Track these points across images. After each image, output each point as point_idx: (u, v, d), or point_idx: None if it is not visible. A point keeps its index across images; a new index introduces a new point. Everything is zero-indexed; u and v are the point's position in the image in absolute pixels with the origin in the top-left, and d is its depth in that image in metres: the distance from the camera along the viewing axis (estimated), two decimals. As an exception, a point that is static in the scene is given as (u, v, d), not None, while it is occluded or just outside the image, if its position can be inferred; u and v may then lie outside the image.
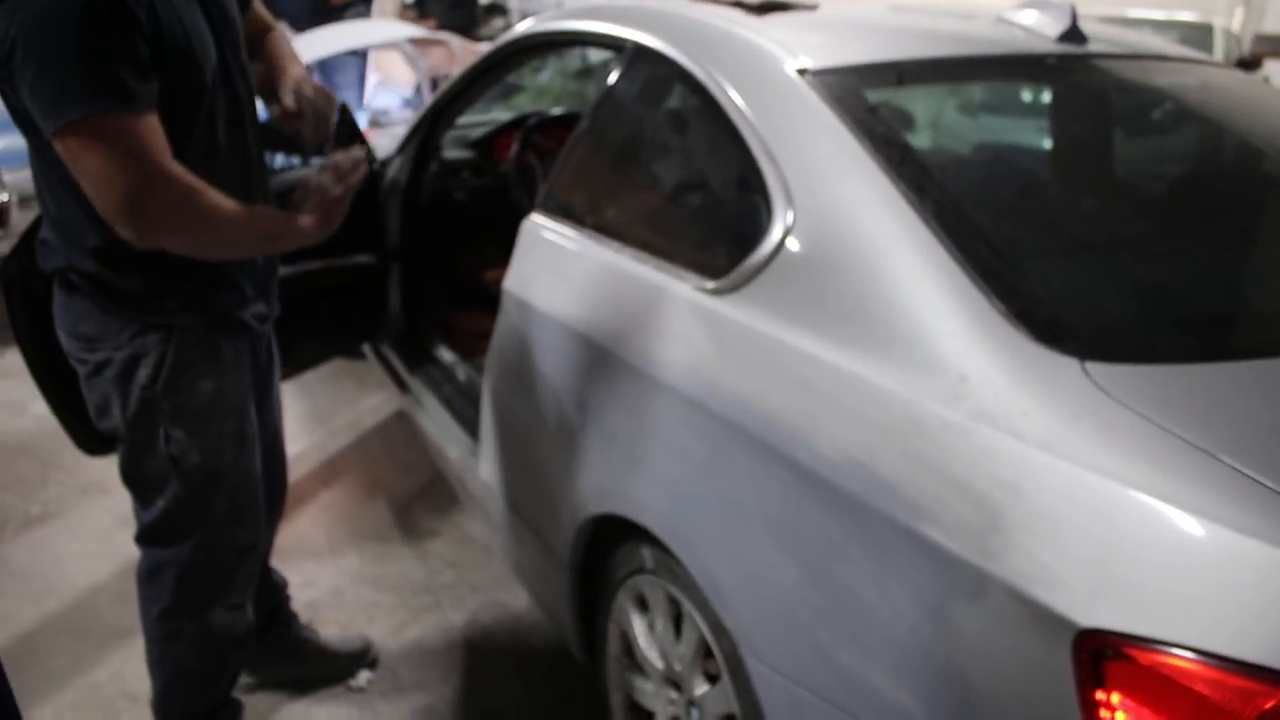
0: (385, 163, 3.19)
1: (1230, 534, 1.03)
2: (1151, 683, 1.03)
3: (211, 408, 1.82)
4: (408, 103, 6.75)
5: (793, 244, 1.53)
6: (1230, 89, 2.17)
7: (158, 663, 2.02)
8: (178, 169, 1.58)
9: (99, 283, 1.71)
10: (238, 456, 1.89)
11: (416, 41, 6.69)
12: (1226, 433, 1.15)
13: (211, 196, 1.63)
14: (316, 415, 3.88)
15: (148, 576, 1.95)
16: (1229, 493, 1.07)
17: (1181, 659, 1.01)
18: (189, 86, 1.65)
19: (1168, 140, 2.23)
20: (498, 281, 2.21)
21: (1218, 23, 8.28)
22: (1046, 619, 1.08)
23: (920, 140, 1.84)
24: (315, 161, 3.09)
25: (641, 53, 2.05)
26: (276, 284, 1.98)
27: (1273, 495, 1.06)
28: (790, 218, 1.55)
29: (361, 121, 5.91)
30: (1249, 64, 7.82)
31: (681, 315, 1.68)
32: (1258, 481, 1.07)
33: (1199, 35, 7.79)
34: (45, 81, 1.49)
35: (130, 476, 1.87)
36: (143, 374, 1.75)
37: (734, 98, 1.74)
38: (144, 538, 1.92)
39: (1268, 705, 0.97)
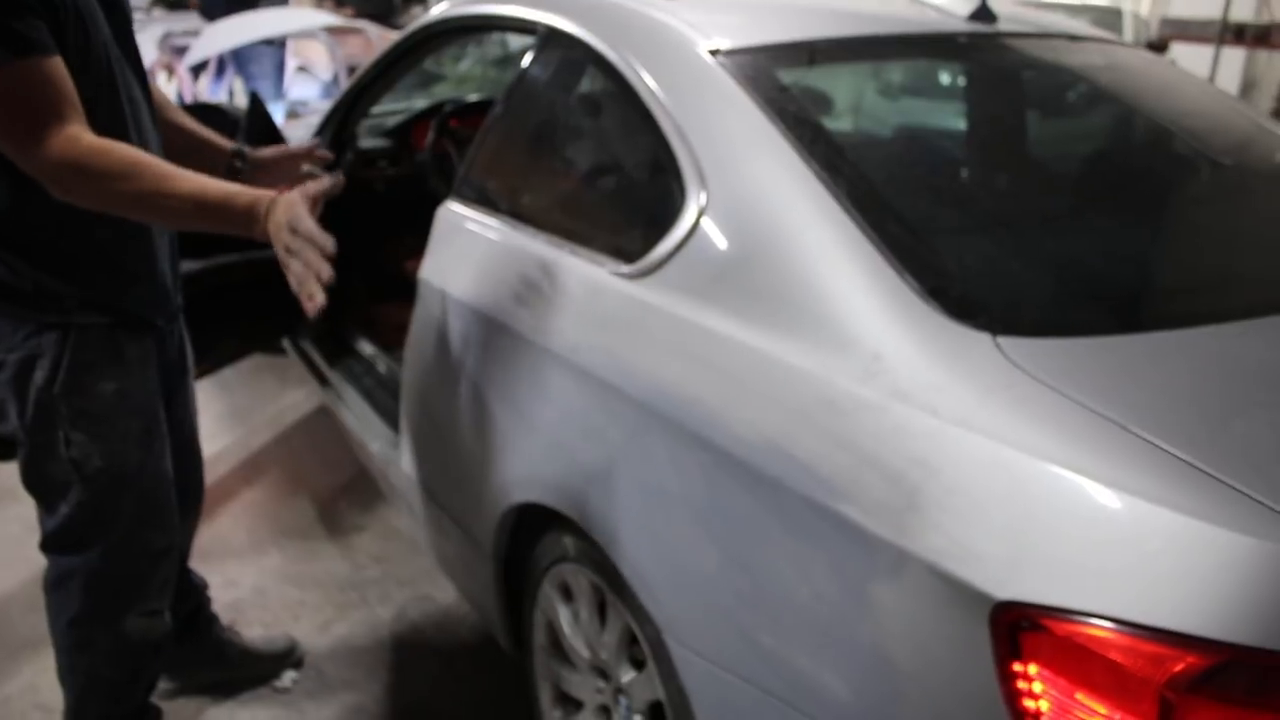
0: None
1: (1140, 503, 1.04)
2: (1067, 652, 1.04)
3: (114, 409, 1.76)
4: (327, 92, 6.63)
5: (706, 226, 1.52)
6: (1138, 68, 2.20)
7: (68, 672, 1.95)
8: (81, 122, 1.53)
9: None
10: (145, 458, 1.83)
11: (333, 30, 6.58)
12: (1136, 403, 1.17)
13: (128, 148, 1.56)
14: (237, 412, 3.80)
15: (55, 584, 1.88)
16: (1138, 463, 1.08)
17: (1095, 628, 1.02)
18: (79, 59, 1.58)
19: (1078, 118, 2.25)
20: (417, 272, 2.17)
21: (1127, 7, 8.50)
22: (964, 594, 1.09)
23: (835, 119, 1.84)
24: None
25: (554, 36, 2.02)
26: (179, 278, 1.92)
27: (1180, 464, 1.07)
28: (704, 199, 1.54)
29: (279, 112, 5.80)
30: (1156, 47, 8.03)
31: (597, 299, 1.66)
32: (1166, 451, 1.08)
33: (1109, 19, 8.01)
34: None
35: (31, 482, 1.80)
36: (39, 376, 1.69)
37: (646, 80, 1.73)
38: (49, 544, 1.86)
39: (1177, 668, 0.98)
